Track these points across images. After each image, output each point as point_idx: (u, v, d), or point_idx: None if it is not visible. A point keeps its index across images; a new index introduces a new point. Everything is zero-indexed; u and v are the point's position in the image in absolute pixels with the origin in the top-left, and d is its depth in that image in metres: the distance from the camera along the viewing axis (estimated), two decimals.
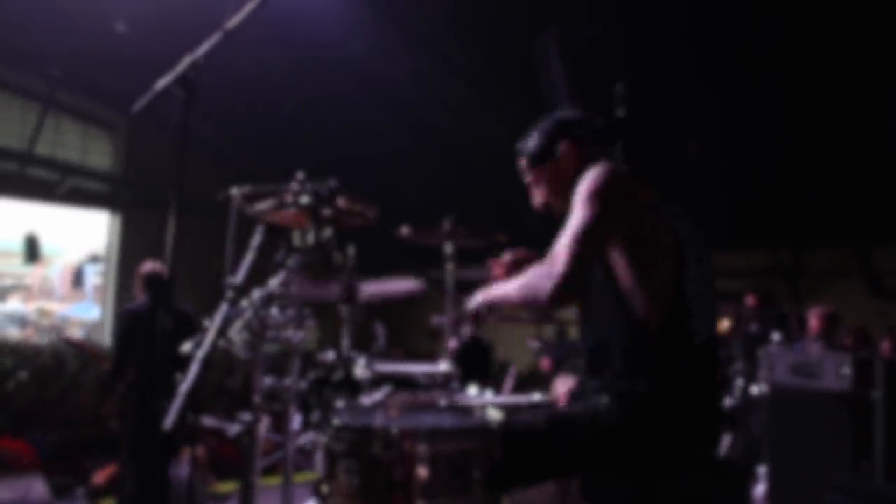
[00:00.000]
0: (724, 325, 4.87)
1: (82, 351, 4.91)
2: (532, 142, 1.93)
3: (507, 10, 5.96)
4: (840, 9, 5.26)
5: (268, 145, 8.06)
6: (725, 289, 8.02)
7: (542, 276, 1.64)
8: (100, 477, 4.96)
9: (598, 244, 1.64)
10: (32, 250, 7.79)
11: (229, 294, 1.58)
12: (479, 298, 1.86)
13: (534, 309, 1.71)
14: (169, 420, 1.33)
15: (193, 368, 1.43)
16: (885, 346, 4.91)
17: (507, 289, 1.75)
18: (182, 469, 4.61)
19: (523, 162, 1.95)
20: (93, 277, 8.85)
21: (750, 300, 5.16)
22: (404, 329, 9.27)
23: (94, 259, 8.85)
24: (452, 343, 2.36)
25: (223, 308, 1.56)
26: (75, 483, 4.60)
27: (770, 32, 5.53)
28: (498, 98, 6.87)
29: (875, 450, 2.64)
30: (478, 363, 5.07)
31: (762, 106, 6.36)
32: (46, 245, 8.10)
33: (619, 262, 1.65)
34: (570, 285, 1.60)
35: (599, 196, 1.63)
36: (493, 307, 1.83)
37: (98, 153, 8.55)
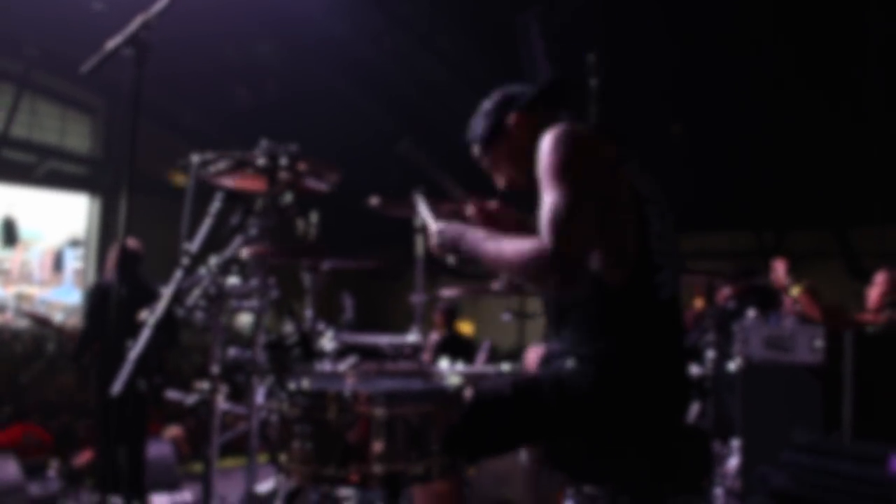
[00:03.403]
0: (699, 303, 4.88)
1: (40, 322, 4.88)
2: (479, 125, 1.84)
3: None
4: None
5: (249, 127, 7.97)
6: (710, 269, 8.07)
7: (538, 257, 1.48)
8: (80, 459, 4.93)
9: (589, 218, 1.51)
10: (10, 234, 7.67)
11: (184, 261, 1.54)
12: (471, 240, 1.62)
13: (536, 268, 1.46)
14: (116, 386, 1.30)
15: (144, 334, 1.40)
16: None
17: (501, 249, 1.55)
18: (159, 447, 4.61)
19: (476, 149, 1.86)
20: (73, 261, 8.76)
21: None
22: (386, 306, 9.27)
23: (74, 243, 8.75)
24: (433, 337, 2.33)
25: (178, 275, 1.53)
26: (47, 465, 4.57)
27: (756, 15, 5.52)
28: (479, 78, 6.82)
29: (843, 420, 2.66)
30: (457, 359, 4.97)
31: (746, 89, 6.36)
32: (24, 229, 7.99)
33: None
34: (570, 269, 1.46)
35: (569, 166, 1.52)
36: (468, 257, 1.59)
37: (77, 135, 8.42)
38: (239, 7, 5.78)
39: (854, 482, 1.39)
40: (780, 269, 3.30)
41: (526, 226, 1.89)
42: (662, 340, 1.61)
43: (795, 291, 3.17)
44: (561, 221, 1.47)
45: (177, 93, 7.57)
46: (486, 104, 1.85)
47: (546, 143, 1.59)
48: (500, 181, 1.87)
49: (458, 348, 5.29)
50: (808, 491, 1.48)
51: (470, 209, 1.96)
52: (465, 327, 6.09)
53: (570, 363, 1.60)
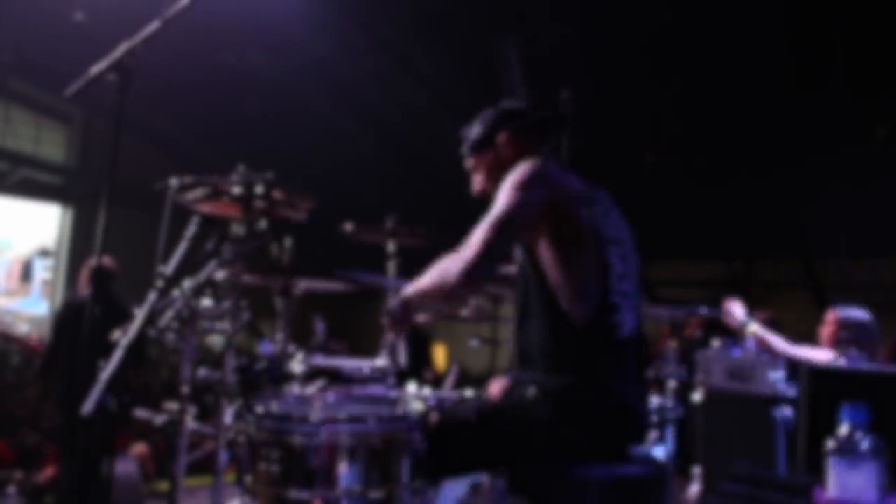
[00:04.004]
0: (667, 341, 4.98)
1: (4, 337, 4.83)
2: (474, 129, 1.95)
3: (469, 14, 6.02)
4: (791, 25, 5.45)
5: (229, 143, 7.97)
6: (680, 297, 8.21)
7: (452, 260, 1.64)
8: (42, 475, 4.84)
9: (515, 233, 1.66)
10: None
11: (159, 283, 1.58)
12: (400, 297, 1.83)
13: (446, 296, 1.66)
14: (87, 406, 1.32)
15: (116, 355, 1.42)
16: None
17: (422, 279, 1.72)
18: (124, 464, 4.54)
19: (465, 149, 1.98)
20: (42, 272, 8.62)
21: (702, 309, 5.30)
22: (361, 326, 9.26)
23: (43, 253, 8.62)
24: (391, 336, 2.36)
25: (151, 296, 1.56)
26: (9, 481, 4.48)
27: (729, 46, 5.70)
28: (459, 102, 6.92)
29: (798, 450, 2.74)
30: (414, 354, 5.10)
31: (719, 120, 6.54)
32: None
33: (545, 259, 1.68)
34: (479, 271, 1.59)
35: (521, 187, 1.66)
36: (415, 303, 1.78)
37: (51, 144, 8.33)
38: (222, 22, 5.82)
39: None
40: (735, 309, 3.45)
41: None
42: (620, 376, 1.69)
43: (751, 330, 3.30)
44: (496, 222, 1.62)
45: (156, 105, 7.55)
46: (488, 113, 1.96)
47: (514, 170, 1.73)
48: (476, 185, 1.98)
49: (415, 343, 5.38)
50: None
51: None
52: (439, 352, 6.21)
53: (532, 393, 1.66)
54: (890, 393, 2.23)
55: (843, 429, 1.45)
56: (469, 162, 1.97)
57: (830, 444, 1.45)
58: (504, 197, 1.66)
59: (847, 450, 1.40)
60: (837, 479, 1.39)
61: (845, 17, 5.22)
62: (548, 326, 1.68)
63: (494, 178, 1.89)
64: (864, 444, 1.39)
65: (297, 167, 6.34)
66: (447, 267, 1.64)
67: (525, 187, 1.66)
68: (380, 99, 7.32)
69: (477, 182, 1.96)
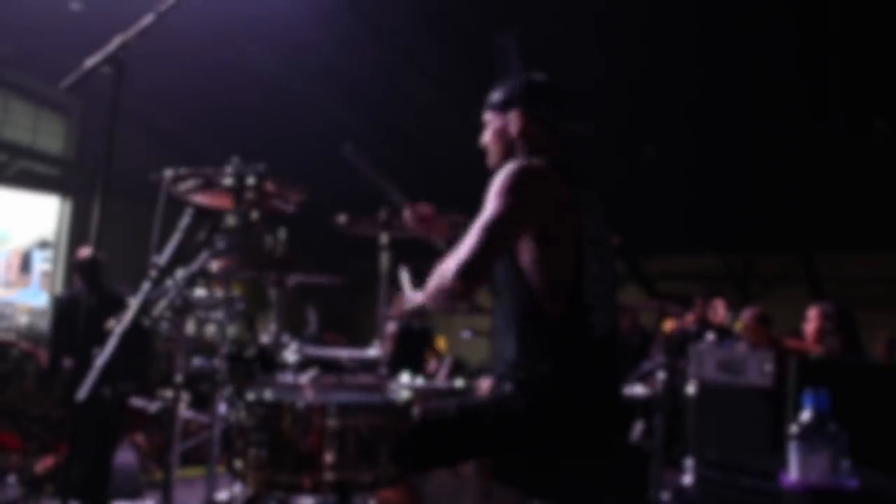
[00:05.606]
0: (668, 325, 5.01)
1: (12, 348, 4.91)
2: (496, 95, 1.95)
3: (470, 5, 6.01)
4: (791, 16, 5.46)
5: (227, 135, 7.98)
6: (678, 291, 8.24)
7: (448, 263, 1.67)
8: (41, 466, 4.87)
9: (506, 238, 1.68)
10: None
11: (152, 273, 1.60)
12: (415, 299, 1.86)
13: (443, 298, 1.68)
14: (82, 392, 1.35)
15: (110, 343, 1.45)
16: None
17: (428, 284, 1.75)
18: (123, 455, 4.58)
19: (486, 113, 1.98)
20: (41, 263, 8.64)
21: (699, 301, 5.34)
22: (356, 317, 9.29)
23: (42, 245, 8.64)
24: (391, 327, 2.39)
25: (145, 286, 1.59)
26: (8, 471, 4.50)
27: (729, 41, 5.70)
28: (460, 95, 6.92)
29: (786, 441, 2.78)
30: (415, 348, 5.12)
31: (719, 115, 6.55)
32: None
33: (523, 258, 1.71)
34: (475, 273, 1.62)
35: (511, 192, 1.68)
36: (428, 300, 1.76)
37: (49, 135, 8.34)
38: (221, 13, 5.82)
39: (751, 494, 1.55)
40: (719, 308, 3.53)
41: (458, 228, 2.00)
42: (594, 371, 1.72)
43: (739, 326, 3.37)
44: (486, 230, 1.64)
45: (154, 97, 7.56)
46: (519, 80, 1.95)
47: (501, 173, 1.73)
48: (483, 138, 1.98)
49: (417, 336, 5.40)
50: (713, 501, 1.64)
51: (406, 213, 2.09)
52: (439, 342, 6.26)
53: (508, 387, 1.69)
54: (874, 381, 2.28)
55: (806, 415, 1.50)
56: (486, 115, 1.98)
57: (793, 429, 1.50)
58: (496, 202, 1.68)
59: (808, 435, 1.45)
60: (798, 462, 1.44)
61: (844, 9, 5.23)
62: (522, 322, 1.72)
63: (497, 143, 1.93)
64: (825, 429, 1.44)
65: (295, 159, 6.36)
66: (444, 269, 1.67)
67: (515, 192, 1.68)
68: (379, 90, 7.32)
69: (485, 135, 1.98)
